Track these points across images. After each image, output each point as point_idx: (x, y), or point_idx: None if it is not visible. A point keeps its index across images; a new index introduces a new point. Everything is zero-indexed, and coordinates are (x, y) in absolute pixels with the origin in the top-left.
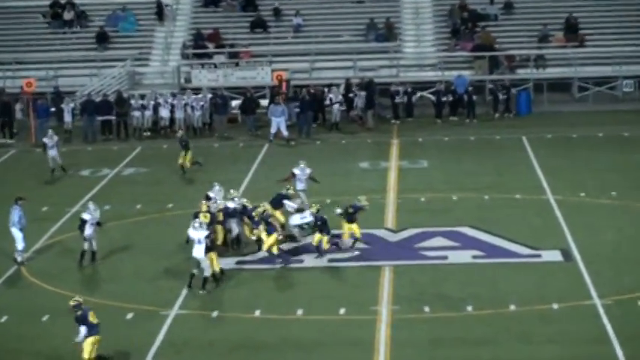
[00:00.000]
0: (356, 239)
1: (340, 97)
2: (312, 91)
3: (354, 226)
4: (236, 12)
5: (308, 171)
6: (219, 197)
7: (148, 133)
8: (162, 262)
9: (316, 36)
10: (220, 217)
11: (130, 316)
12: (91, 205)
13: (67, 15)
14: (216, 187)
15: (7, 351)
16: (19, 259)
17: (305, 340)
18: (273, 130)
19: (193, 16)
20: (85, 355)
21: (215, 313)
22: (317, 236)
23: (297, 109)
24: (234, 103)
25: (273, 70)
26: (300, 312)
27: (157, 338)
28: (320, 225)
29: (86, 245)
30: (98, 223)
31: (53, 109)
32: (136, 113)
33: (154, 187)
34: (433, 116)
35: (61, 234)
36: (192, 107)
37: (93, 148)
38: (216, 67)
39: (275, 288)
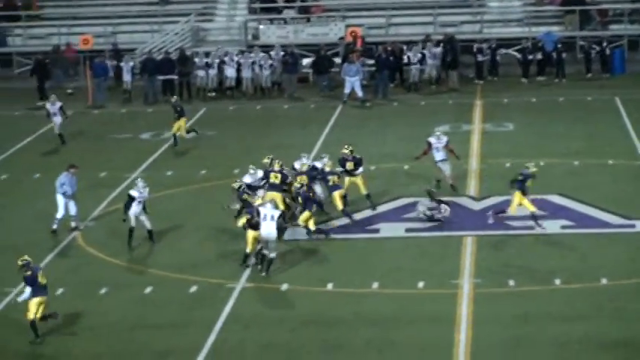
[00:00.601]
0: (535, 217)
1: (419, 55)
2: (388, 48)
3: (526, 202)
4: None
5: (445, 139)
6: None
7: (213, 94)
8: (228, 231)
9: None
10: (300, 180)
11: (193, 289)
12: (140, 182)
13: None
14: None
15: (63, 325)
16: (54, 226)
17: (380, 315)
18: (347, 90)
19: None
20: (30, 315)
21: (284, 287)
22: (304, 215)
23: (373, 68)
24: (305, 61)
25: (347, 26)
26: (375, 285)
27: (222, 312)
28: (304, 202)
29: (133, 222)
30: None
31: (112, 68)
32: (200, 72)
33: (220, 152)
34: (519, 76)
35: (120, 201)
36: (261, 66)
37: (153, 110)
38: (285, 22)
39: (349, 260)
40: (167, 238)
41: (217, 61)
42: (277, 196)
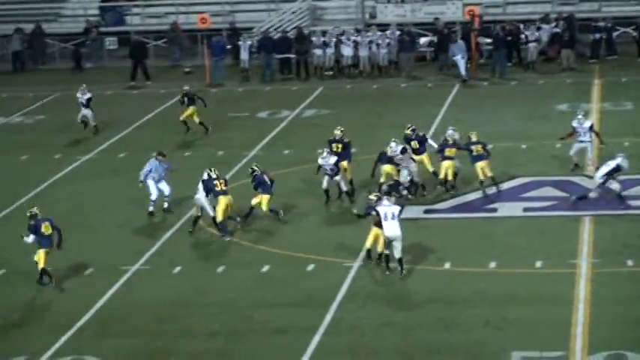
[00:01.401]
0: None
1: (537, 34)
2: (506, 27)
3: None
4: None
5: (587, 124)
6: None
7: (330, 73)
8: (345, 210)
9: None
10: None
11: (311, 267)
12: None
13: None
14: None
15: (181, 304)
16: (150, 209)
17: (498, 294)
18: (462, 70)
19: None
20: (41, 264)
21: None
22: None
23: (491, 47)
24: (423, 40)
25: (464, 5)
26: (492, 265)
27: (340, 290)
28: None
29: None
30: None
31: (229, 47)
32: (317, 51)
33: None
34: (635, 55)
35: (237, 180)
36: (378, 45)
37: (271, 88)
38: (403, 1)
39: (466, 239)
40: (286, 217)
41: (334, 39)
42: (392, 169)
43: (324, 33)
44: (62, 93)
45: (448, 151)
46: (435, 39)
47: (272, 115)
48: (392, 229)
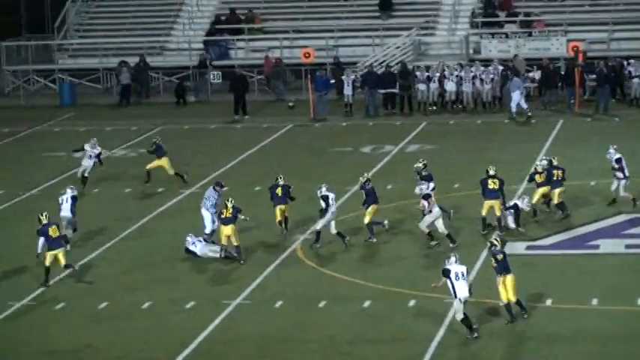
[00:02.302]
0: None
1: None
2: (610, 63)
3: None
4: None
5: (615, 156)
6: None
7: (434, 108)
8: (445, 246)
9: (615, 4)
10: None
11: (412, 303)
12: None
13: None
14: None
15: (281, 339)
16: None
17: (600, 332)
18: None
19: None
20: (46, 263)
21: (502, 303)
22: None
23: (595, 83)
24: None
25: (568, 41)
26: (594, 302)
27: (441, 326)
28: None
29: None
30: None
31: (333, 82)
32: (421, 86)
33: (440, 166)
34: None
35: (341, 214)
36: (481, 80)
37: (374, 123)
38: (507, 37)
39: (568, 275)
40: (387, 251)
41: (438, 74)
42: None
43: (428, 68)
44: (166, 126)
45: (538, 178)
46: (539, 75)
47: (375, 150)
48: (462, 289)
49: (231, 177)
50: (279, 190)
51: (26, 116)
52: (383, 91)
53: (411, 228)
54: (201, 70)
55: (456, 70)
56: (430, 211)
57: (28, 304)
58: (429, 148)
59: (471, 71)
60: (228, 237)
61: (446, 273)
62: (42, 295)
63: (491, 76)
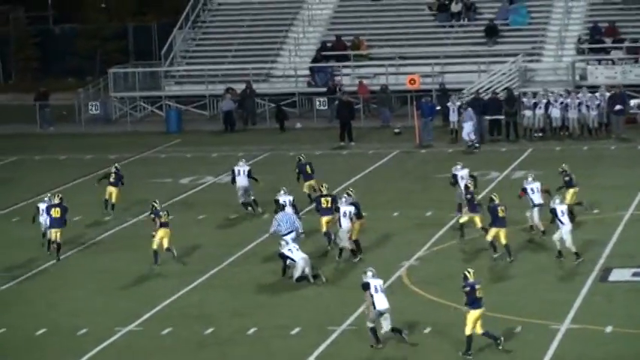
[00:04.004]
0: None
1: None
2: None
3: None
4: (636, 4)
5: None
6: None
7: (540, 134)
8: (555, 272)
9: None
10: None
11: (518, 329)
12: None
13: (455, 7)
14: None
15: None
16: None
17: None
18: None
19: (589, 9)
20: (53, 238)
21: (609, 329)
22: None
23: None
24: (634, 102)
25: None
26: None
27: (546, 353)
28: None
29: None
30: None
31: (438, 108)
32: (527, 112)
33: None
34: None
35: (445, 241)
36: (588, 106)
37: (480, 150)
38: (614, 63)
39: None
40: (492, 278)
41: (544, 101)
42: None
43: (534, 94)
44: (271, 153)
45: None
46: None
47: (481, 177)
48: (381, 302)
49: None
50: (324, 201)
51: (133, 142)
52: (489, 117)
53: (517, 254)
54: (331, 96)
55: (562, 96)
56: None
57: (135, 329)
58: (535, 174)
59: (577, 98)
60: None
61: (366, 286)
62: (149, 320)
63: (597, 102)
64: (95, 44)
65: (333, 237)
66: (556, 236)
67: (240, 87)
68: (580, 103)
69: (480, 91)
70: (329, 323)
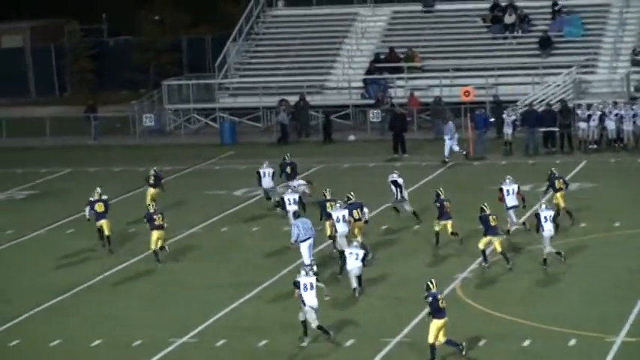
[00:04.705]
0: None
1: None
2: None
3: None
4: None
5: None
6: None
7: (594, 146)
8: (606, 284)
9: None
10: None
11: (572, 342)
12: None
13: (508, 19)
14: None
15: None
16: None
17: None
18: None
19: None
20: (107, 232)
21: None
22: None
23: None
24: None
25: None
26: None
27: None
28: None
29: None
30: None
31: (492, 120)
32: (582, 124)
33: (600, 204)
34: None
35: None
36: None
37: (534, 162)
38: None
39: None
40: (547, 290)
41: (599, 113)
42: None
43: (588, 106)
44: (324, 165)
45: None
46: None
47: (535, 189)
48: (310, 299)
49: (390, 216)
50: (329, 205)
51: (187, 154)
52: (543, 129)
53: (571, 265)
54: (382, 108)
55: (617, 108)
56: None
57: (190, 341)
58: (590, 186)
59: (632, 109)
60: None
61: (296, 284)
62: (203, 331)
63: None
64: (149, 57)
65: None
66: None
67: (293, 99)
68: (635, 115)
69: (534, 102)
70: (383, 335)
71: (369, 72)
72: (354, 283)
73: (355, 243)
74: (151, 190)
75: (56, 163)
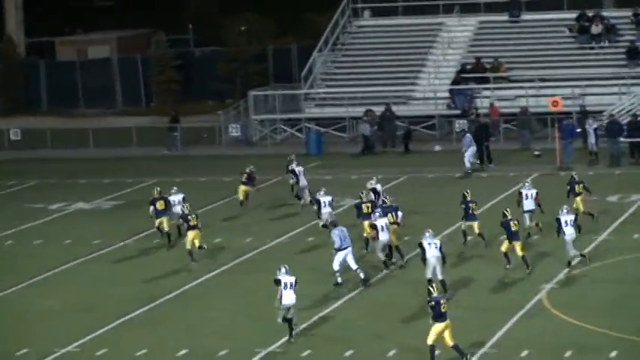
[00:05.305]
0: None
1: None
2: None
3: None
4: None
5: None
6: None
7: None
8: None
9: None
10: None
11: None
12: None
13: (595, 29)
14: None
15: None
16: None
17: None
18: None
19: None
20: (166, 228)
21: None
22: None
23: None
24: None
25: None
26: None
27: None
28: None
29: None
30: None
31: (579, 130)
32: None
33: None
34: None
35: (586, 264)
36: None
37: (620, 172)
38: None
39: None
40: (633, 301)
41: None
42: None
43: None
44: (409, 176)
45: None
46: None
47: (622, 199)
48: (289, 297)
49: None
50: (365, 207)
51: (273, 165)
52: (628, 140)
53: None
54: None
55: None
56: None
57: (276, 350)
58: None
59: None
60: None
61: (277, 282)
62: (288, 341)
63: None
64: (235, 67)
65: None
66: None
67: (379, 109)
68: None
69: (620, 113)
70: (469, 346)
71: (455, 82)
72: (429, 274)
73: (427, 234)
74: (242, 187)
75: (142, 174)
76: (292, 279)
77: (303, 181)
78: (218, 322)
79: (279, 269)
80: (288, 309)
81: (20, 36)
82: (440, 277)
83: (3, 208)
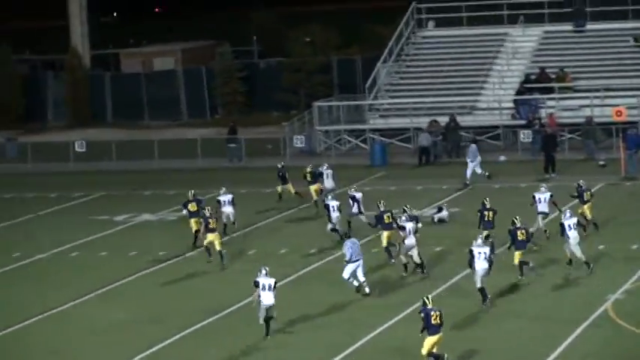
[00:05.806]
0: None
1: None
2: None
3: None
4: None
5: None
6: None
7: None
8: None
9: None
10: None
11: None
12: None
13: None
14: None
15: None
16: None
17: None
18: None
19: None
20: (194, 228)
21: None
22: None
23: None
24: None
25: None
26: None
27: None
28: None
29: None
30: None
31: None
32: None
33: None
34: None
35: None
36: None
37: None
38: None
39: None
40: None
41: None
42: None
43: None
44: (474, 186)
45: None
46: None
47: None
48: (267, 298)
49: (538, 237)
50: (386, 217)
51: (338, 176)
52: None
53: None
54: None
55: None
56: None
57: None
58: None
59: None
60: None
61: (256, 284)
62: (353, 353)
63: None
64: (300, 78)
65: (397, 250)
66: (565, 247)
67: (444, 120)
68: None
69: None
70: (531, 357)
71: (519, 92)
72: (479, 283)
73: (479, 241)
74: (313, 187)
75: (207, 185)
76: (272, 281)
77: (330, 184)
78: (285, 333)
79: (260, 271)
80: (267, 309)
81: (85, 48)
82: (478, 285)
83: (69, 219)
